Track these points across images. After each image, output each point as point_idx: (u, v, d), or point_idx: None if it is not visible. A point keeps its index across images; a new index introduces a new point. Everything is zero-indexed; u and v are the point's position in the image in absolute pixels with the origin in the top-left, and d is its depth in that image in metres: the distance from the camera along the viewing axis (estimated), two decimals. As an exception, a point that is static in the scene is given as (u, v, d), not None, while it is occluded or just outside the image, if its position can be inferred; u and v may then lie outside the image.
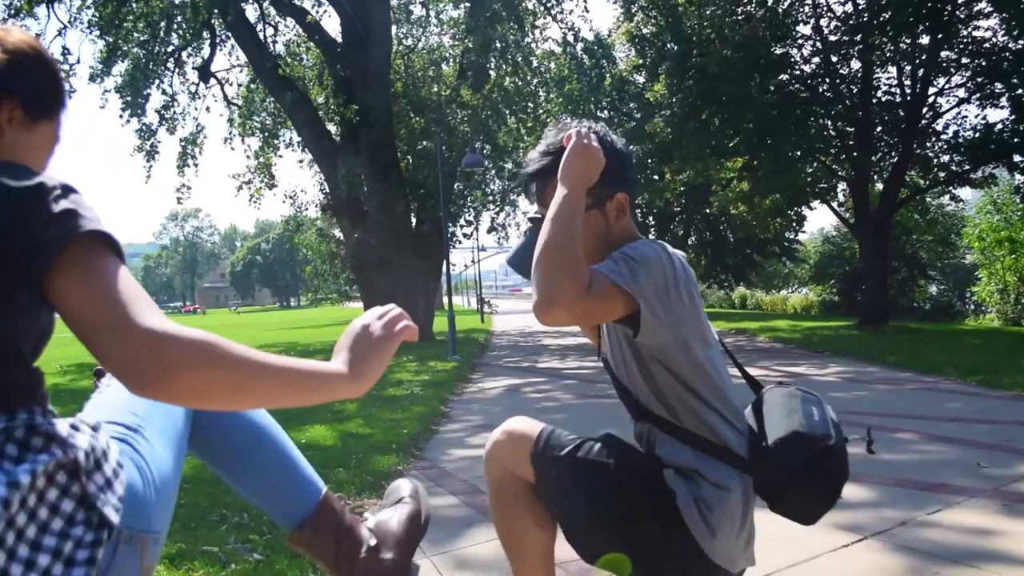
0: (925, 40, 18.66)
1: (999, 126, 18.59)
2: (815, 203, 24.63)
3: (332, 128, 20.24)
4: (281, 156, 24.02)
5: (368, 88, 18.30)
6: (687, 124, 19.46)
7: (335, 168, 18.44)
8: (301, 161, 22.86)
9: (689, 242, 39.56)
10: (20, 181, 1.14)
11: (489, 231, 30.14)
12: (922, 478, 4.64)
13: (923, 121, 19.75)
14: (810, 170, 21.56)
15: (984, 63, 18.25)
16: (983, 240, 24.46)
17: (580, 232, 1.79)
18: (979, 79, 18.68)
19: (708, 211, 31.02)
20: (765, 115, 18.55)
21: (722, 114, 19.78)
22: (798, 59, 21.26)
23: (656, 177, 27.60)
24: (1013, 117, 18.28)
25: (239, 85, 23.86)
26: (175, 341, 1.05)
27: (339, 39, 19.68)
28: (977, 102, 19.03)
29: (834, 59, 20.45)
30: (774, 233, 30.85)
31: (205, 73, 22.42)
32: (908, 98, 19.67)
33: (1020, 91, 17.78)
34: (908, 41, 19.05)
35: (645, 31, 22.06)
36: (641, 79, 24.59)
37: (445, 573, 3.48)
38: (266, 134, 22.87)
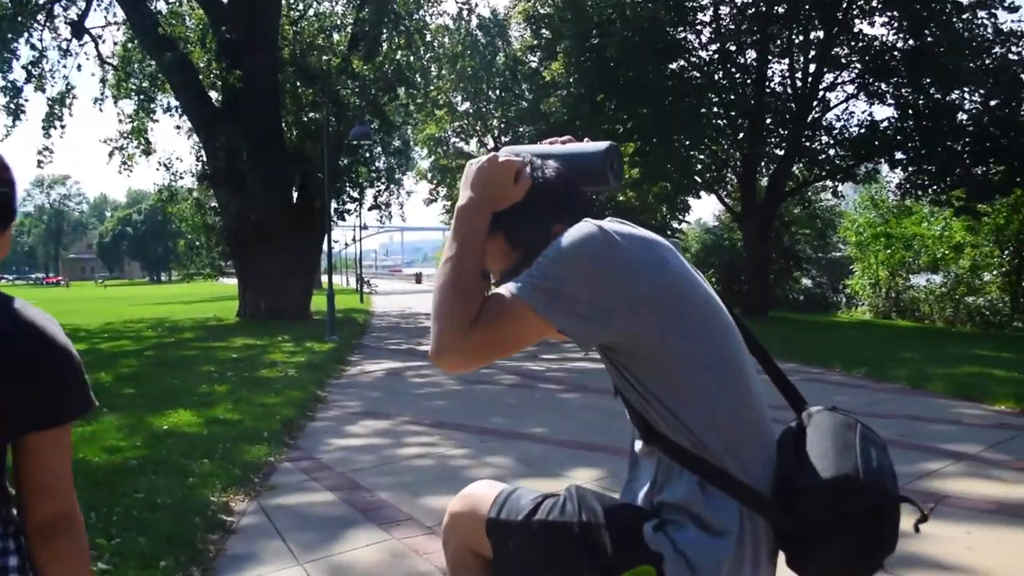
0: (820, 34, 19.07)
1: (884, 124, 19.22)
2: (703, 192, 24.91)
3: (213, 94, 19.22)
4: (157, 121, 22.73)
5: (253, 54, 17.40)
6: (582, 105, 19.28)
7: (214, 136, 17.55)
8: (178, 127, 21.68)
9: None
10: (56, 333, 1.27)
11: (371, 208, 29.54)
12: (828, 475, 4.45)
13: (813, 114, 20.23)
14: (701, 158, 21.78)
15: (872, 61, 18.75)
16: (859, 235, 25.28)
17: (476, 262, 1.50)
18: (867, 76, 19.22)
19: (595, 196, 31.02)
20: (660, 101, 18.55)
21: (618, 97, 19.71)
22: (696, 45, 21.43)
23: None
24: (897, 115, 18.87)
25: (115, 44, 22.46)
26: (79, 528, 1.31)
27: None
28: (865, 99, 19.61)
29: (731, 48, 20.67)
30: (660, 221, 31.14)
31: (79, 29, 20.99)
32: (799, 91, 20.08)
33: (904, 90, 18.36)
34: (802, 35, 19.43)
35: (542, 11, 21.78)
36: (535, 60, 24.35)
37: (319, 585, 3.04)
38: (142, 97, 21.60)
